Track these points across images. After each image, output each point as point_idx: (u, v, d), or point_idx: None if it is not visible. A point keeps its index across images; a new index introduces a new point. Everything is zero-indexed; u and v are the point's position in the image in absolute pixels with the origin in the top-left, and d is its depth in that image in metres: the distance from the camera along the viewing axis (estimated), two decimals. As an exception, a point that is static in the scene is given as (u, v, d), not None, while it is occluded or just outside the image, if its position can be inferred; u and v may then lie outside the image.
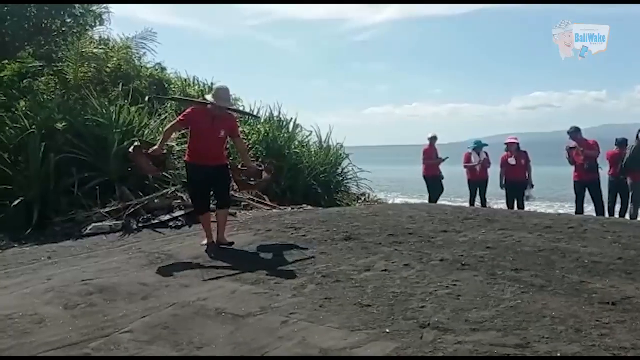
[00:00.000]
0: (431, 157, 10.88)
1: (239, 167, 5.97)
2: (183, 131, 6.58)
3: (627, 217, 8.71)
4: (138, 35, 10.35)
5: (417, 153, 11.27)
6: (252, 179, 5.98)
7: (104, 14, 8.81)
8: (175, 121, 5.73)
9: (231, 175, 5.80)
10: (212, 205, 5.90)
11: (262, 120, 10.84)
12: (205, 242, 5.59)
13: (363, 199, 11.72)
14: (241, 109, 10.13)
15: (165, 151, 5.46)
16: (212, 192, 5.75)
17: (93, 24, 8.81)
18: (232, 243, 5.58)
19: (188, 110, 5.58)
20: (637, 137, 8.66)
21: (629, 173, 8.83)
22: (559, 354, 2.85)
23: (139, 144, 5.67)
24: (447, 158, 10.97)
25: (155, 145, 5.54)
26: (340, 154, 11.40)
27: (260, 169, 6.02)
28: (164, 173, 6.50)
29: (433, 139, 10.91)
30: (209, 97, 5.53)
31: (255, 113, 10.67)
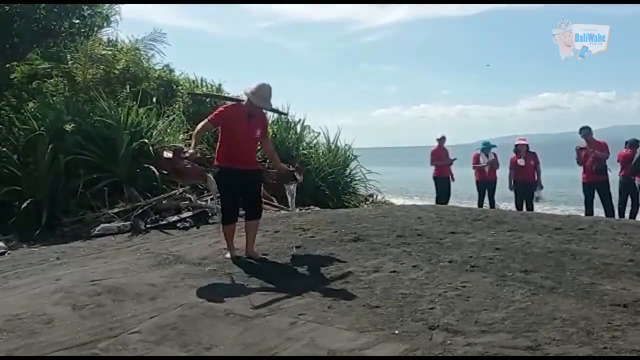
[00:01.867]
0: (440, 158, 10.82)
1: (268, 169, 5.61)
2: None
3: (638, 218, 8.63)
4: (147, 36, 10.40)
5: (426, 154, 11.23)
6: (285, 182, 5.62)
7: (112, 15, 8.84)
8: (205, 120, 5.02)
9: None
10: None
11: (270, 121, 10.84)
12: (228, 255, 5.07)
13: (371, 200, 11.70)
14: None
15: (199, 154, 4.98)
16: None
17: (101, 25, 8.85)
18: (265, 258, 5.09)
19: (220, 108, 5.08)
20: None
21: (637, 173, 8.74)
22: (569, 356, 2.82)
23: (170, 153, 5.07)
24: (455, 159, 10.91)
25: (176, 148, 5.17)
26: (349, 155, 11.39)
27: (291, 170, 5.59)
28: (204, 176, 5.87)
29: (442, 140, 10.86)
30: (248, 94, 4.89)
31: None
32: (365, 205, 10.86)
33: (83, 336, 3.35)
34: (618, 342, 2.97)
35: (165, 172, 5.90)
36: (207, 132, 6.80)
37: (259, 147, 5.56)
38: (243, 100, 4.99)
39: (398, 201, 13.53)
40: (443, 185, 10.82)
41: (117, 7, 8.95)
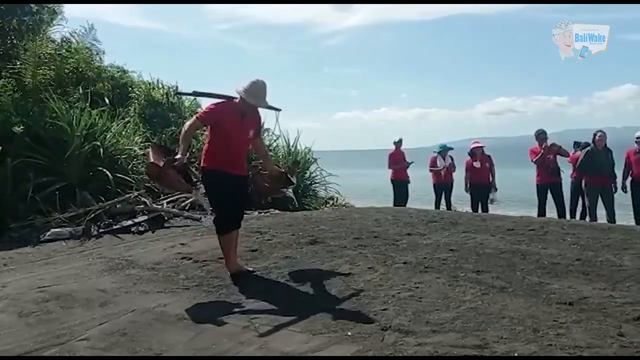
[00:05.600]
0: (397, 162, 10.92)
1: (260, 171, 5.12)
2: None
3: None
4: (85, 33, 10.19)
5: (385, 157, 11.31)
6: (282, 186, 5.12)
7: (58, 10, 8.60)
8: (193, 119, 4.56)
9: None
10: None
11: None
12: (235, 270, 4.54)
13: (331, 202, 11.71)
14: None
15: (186, 161, 4.42)
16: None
17: (49, 21, 8.60)
18: (250, 271, 4.66)
19: (210, 105, 4.60)
20: (593, 141, 8.86)
21: (582, 176, 9.00)
22: (516, 354, 2.89)
23: (158, 156, 4.37)
24: (412, 162, 11.02)
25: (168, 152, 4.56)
26: (308, 158, 11.37)
27: (283, 171, 5.12)
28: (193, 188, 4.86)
29: (398, 143, 10.95)
30: (240, 91, 4.43)
31: None
32: (325, 208, 10.86)
33: (28, 344, 3.27)
34: (562, 339, 3.06)
35: (148, 175, 5.13)
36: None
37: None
38: (235, 98, 4.53)
39: (358, 203, 13.59)
40: (401, 188, 10.93)
41: (61, 6, 8.76)
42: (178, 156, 4.24)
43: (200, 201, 4.16)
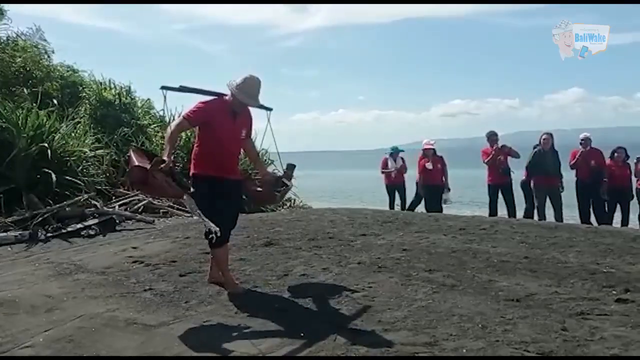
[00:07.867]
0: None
1: (250, 175, 4.77)
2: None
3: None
4: (32, 33, 9.92)
5: (344, 159, 11.36)
6: (277, 190, 4.75)
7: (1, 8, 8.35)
8: (180, 118, 4.22)
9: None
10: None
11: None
12: (235, 290, 4.17)
13: (289, 204, 11.69)
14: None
15: (172, 164, 3.97)
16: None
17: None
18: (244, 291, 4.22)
19: (199, 104, 4.16)
20: (540, 142, 9.16)
21: (531, 177, 9.27)
22: (464, 350, 2.95)
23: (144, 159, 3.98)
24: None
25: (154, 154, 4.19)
26: (265, 160, 11.30)
27: (279, 176, 4.79)
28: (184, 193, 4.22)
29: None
30: (233, 88, 4.07)
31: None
32: (282, 210, 10.83)
33: (-32, 353, 3.12)
34: (509, 334, 3.15)
35: (132, 181, 4.55)
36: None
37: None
38: (226, 95, 4.20)
39: (316, 205, 13.59)
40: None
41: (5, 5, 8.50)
42: (164, 158, 3.82)
43: (191, 207, 3.74)
